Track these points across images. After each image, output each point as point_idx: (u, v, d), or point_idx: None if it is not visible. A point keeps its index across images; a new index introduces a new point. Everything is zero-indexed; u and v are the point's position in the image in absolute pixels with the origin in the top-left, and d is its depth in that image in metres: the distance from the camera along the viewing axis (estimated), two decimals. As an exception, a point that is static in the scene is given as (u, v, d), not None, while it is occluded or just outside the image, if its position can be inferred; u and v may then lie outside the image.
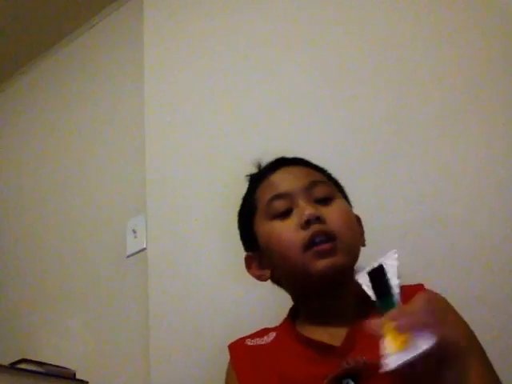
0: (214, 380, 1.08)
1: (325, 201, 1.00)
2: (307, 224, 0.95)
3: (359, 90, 1.38)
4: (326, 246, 0.93)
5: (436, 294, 0.86)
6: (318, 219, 0.95)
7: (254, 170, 1.16)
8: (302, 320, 1.01)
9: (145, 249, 1.62)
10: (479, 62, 1.24)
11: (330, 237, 0.94)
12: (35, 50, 2.28)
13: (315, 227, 0.94)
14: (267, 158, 1.18)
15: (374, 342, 0.70)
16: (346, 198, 1.08)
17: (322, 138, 1.39)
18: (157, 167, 1.68)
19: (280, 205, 1.00)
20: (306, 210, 0.96)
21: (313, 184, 1.01)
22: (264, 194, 1.04)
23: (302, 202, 0.98)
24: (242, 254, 1.20)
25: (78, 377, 1.44)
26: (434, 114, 1.27)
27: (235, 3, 1.68)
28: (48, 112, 2.19)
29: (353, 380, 0.85)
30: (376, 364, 0.68)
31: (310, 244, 0.94)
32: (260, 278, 1.07)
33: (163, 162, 1.67)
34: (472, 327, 0.97)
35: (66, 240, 1.90)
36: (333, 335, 0.91)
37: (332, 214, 0.97)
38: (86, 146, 1.99)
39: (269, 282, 1.12)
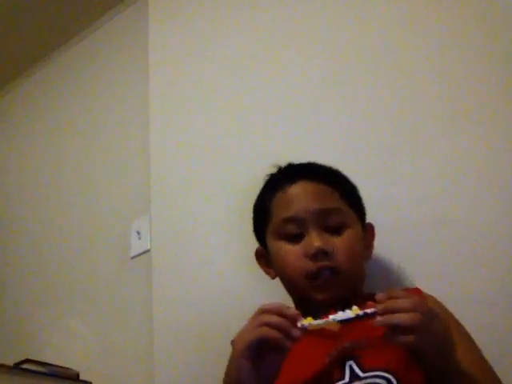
0: (218, 381, 1.08)
1: (336, 230, 1.03)
2: (314, 257, 0.99)
3: (362, 91, 1.38)
4: (327, 281, 0.98)
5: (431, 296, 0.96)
6: (326, 254, 0.99)
7: (272, 170, 1.17)
8: None
9: (149, 250, 1.62)
10: (480, 61, 1.24)
11: (334, 272, 0.99)
12: (40, 52, 2.28)
13: (321, 264, 0.98)
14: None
15: (370, 326, 0.78)
16: (362, 214, 1.10)
17: (326, 138, 1.39)
18: (161, 169, 1.68)
19: (291, 228, 1.03)
20: (315, 241, 0.99)
21: (326, 212, 1.03)
22: (278, 210, 1.07)
23: (312, 232, 1.01)
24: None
25: (81, 377, 1.44)
26: (436, 115, 1.27)
27: (240, 4, 1.68)
28: (52, 114, 2.20)
29: (354, 361, 0.88)
30: (372, 341, 0.76)
31: (313, 276, 0.99)
32: (267, 273, 1.12)
33: (167, 164, 1.67)
34: (472, 327, 0.97)
35: (69, 241, 1.90)
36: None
37: (340, 246, 1.01)
38: (90, 148, 2.00)
39: (273, 282, 1.13)
